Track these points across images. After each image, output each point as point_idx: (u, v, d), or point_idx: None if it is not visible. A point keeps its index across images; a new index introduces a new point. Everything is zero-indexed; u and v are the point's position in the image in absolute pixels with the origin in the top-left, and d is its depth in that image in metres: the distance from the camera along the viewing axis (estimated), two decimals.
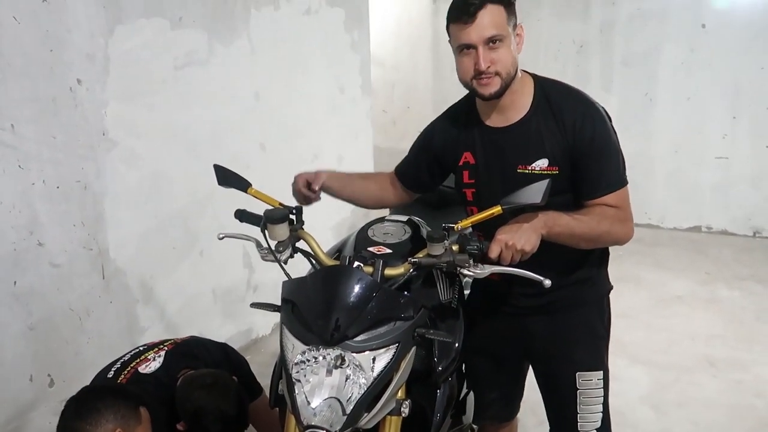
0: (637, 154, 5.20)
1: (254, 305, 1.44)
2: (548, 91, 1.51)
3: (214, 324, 3.00)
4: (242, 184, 1.58)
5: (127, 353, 1.92)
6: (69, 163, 2.22)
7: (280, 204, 1.53)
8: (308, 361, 1.24)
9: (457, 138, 1.61)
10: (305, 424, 1.19)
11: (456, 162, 1.61)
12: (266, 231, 1.48)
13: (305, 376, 1.23)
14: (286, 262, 1.50)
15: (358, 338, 1.23)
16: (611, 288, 1.75)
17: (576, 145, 1.46)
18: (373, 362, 1.23)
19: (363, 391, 1.21)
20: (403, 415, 1.31)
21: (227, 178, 1.61)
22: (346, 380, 1.22)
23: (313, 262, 1.51)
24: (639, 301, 3.84)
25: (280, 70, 3.27)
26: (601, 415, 1.65)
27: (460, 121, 1.61)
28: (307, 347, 1.24)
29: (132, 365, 1.82)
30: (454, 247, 1.39)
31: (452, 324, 1.54)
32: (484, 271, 1.36)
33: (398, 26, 5.78)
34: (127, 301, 2.53)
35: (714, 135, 4.93)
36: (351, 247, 1.60)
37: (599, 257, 1.68)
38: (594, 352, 1.66)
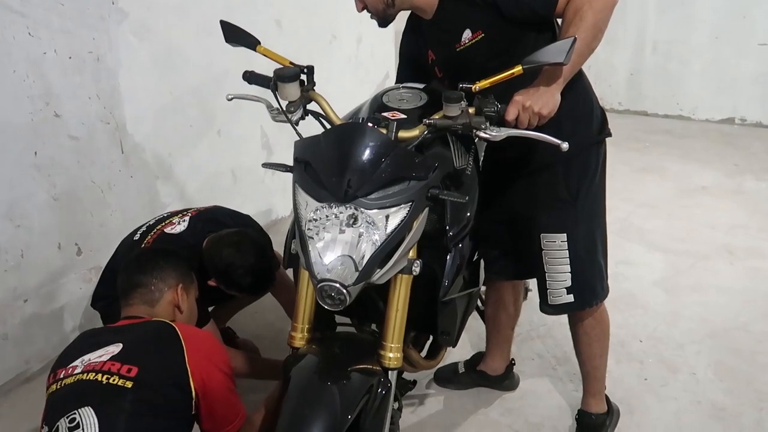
0: (674, 41, 4.94)
1: (266, 165, 1.43)
2: None
3: (233, 204, 3.00)
4: (250, 41, 1.53)
5: (152, 219, 1.98)
6: (79, 33, 2.17)
7: (291, 63, 1.48)
8: (321, 218, 1.24)
9: (418, 41, 1.70)
10: (318, 278, 1.22)
11: (427, 62, 1.68)
12: (276, 91, 1.44)
13: (318, 233, 1.24)
14: (297, 124, 1.47)
15: (372, 196, 1.23)
16: (596, 140, 1.65)
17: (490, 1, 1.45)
18: (387, 220, 1.23)
19: (376, 248, 1.22)
20: (414, 273, 1.33)
21: (235, 34, 1.55)
22: (359, 238, 1.22)
23: (325, 124, 1.48)
24: (662, 192, 3.79)
25: None
26: (569, 275, 1.67)
27: (416, 25, 1.69)
28: (321, 204, 1.24)
29: (157, 228, 1.87)
30: (471, 110, 1.35)
31: (465, 189, 1.52)
32: (500, 134, 1.33)
33: None
34: (148, 177, 2.56)
35: (760, 20, 4.61)
36: (366, 112, 1.56)
37: (570, 108, 1.53)
38: (556, 215, 1.65)
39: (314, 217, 1.25)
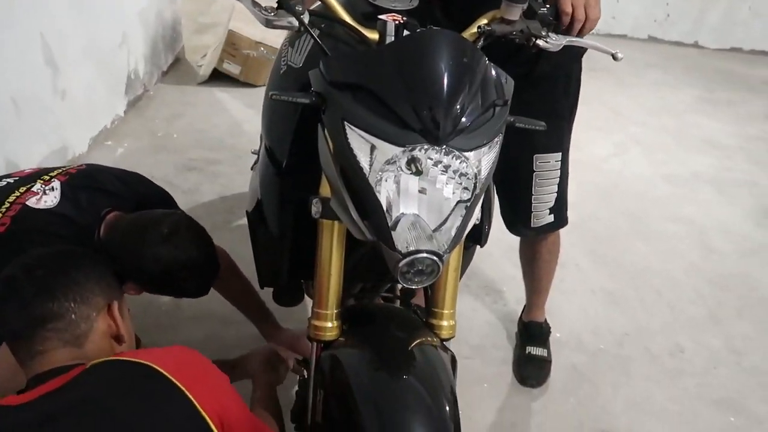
0: None
1: (276, 95, 0.95)
2: None
3: (20, 145, 2.20)
4: None
5: None
6: None
7: None
8: (403, 168, 0.89)
9: None
10: (407, 250, 0.89)
11: None
12: None
13: (398, 189, 0.89)
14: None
15: (467, 134, 0.91)
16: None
17: None
18: (480, 164, 0.94)
19: (469, 202, 0.93)
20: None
21: None
22: (452, 191, 0.91)
23: (330, 33, 1.05)
24: None
25: None
26: (555, 195, 1.61)
27: None
28: (401, 150, 0.88)
29: (10, 202, 1.19)
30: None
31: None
32: (560, 41, 1.12)
33: None
34: None
35: None
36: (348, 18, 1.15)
37: None
38: (554, 133, 1.55)
39: (390, 169, 0.89)
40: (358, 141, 0.89)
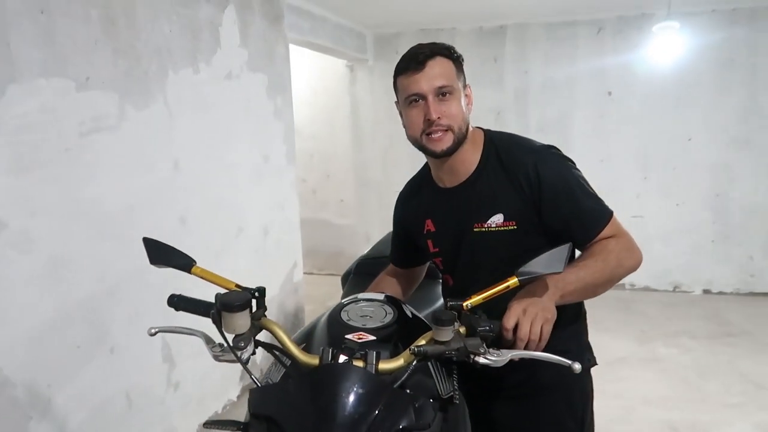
0: None
1: (208, 425, 1.09)
2: (497, 144, 1.45)
3: None
4: (183, 262, 1.25)
5: None
6: None
7: (237, 286, 1.22)
8: None
9: (418, 207, 1.57)
10: None
11: (420, 232, 1.53)
12: (221, 323, 1.15)
13: None
14: (247, 362, 1.18)
15: None
16: (592, 363, 1.55)
17: (536, 197, 1.36)
18: None
19: None
20: None
21: (163, 254, 1.27)
22: None
23: (281, 358, 1.19)
24: None
25: (200, 136, 2.97)
26: None
27: (419, 190, 1.58)
28: None
29: None
30: (461, 329, 1.15)
31: (456, 423, 1.26)
32: (503, 357, 1.12)
33: (315, 95, 5.65)
34: (17, 419, 2.01)
35: (629, 195, 5.10)
36: (323, 336, 1.30)
37: (573, 318, 1.51)
38: None
39: None
40: None
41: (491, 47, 5.25)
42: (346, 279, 2.33)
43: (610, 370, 3.67)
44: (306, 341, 1.33)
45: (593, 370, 1.58)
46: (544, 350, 1.16)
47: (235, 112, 3.30)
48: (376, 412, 0.96)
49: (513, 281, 1.14)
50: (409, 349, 1.12)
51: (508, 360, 1.12)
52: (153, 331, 1.23)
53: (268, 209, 3.70)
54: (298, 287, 4.10)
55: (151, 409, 2.66)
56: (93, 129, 2.31)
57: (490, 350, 1.12)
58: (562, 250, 1.14)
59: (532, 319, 1.15)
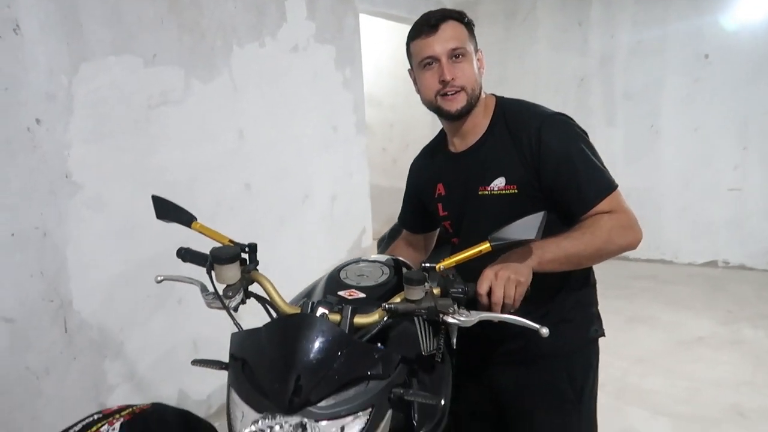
0: (646, 189, 5.01)
1: (196, 362, 1.23)
2: (506, 109, 1.46)
3: (193, 379, 2.77)
4: (185, 218, 1.39)
5: (78, 423, 1.68)
6: (26, 208, 2.05)
7: (230, 241, 1.33)
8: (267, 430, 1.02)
9: (431, 171, 1.60)
10: None
11: (432, 195, 1.58)
12: (213, 272, 1.27)
13: None
14: (236, 310, 1.29)
15: (324, 403, 1.01)
16: (599, 334, 1.52)
17: (539, 162, 1.36)
18: (343, 431, 1.01)
19: None
20: None
21: (168, 210, 1.41)
22: None
23: (269, 309, 1.30)
24: (656, 344, 3.57)
25: (266, 108, 3.14)
26: None
27: (432, 155, 1.62)
28: (261, 415, 1.02)
29: None
30: (436, 291, 1.19)
31: (437, 381, 1.31)
32: (471, 318, 1.15)
33: (396, 65, 5.70)
34: (94, 357, 2.31)
35: (725, 167, 4.73)
36: (320, 292, 1.39)
37: (578, 286, 1.47)
38: (560, 417, 1.45)
39: (253, 431, 1.03)
40: (234, 405, 1.07)
41: (576, 10, 5.01)
42: (381, 243, 2.40)
43: (683, 350, 3.50)
44: (306, 296, 1.43)
45: (602, 341, 1.55)
46: (520, 314, 1.17)
47: (302, 83, 3.44)
48: (336, 360, 1.04)
49: (485, 246, 1.15)
50: (382, 306, 1.18)
51: (476, 321, 1.15)
52: (159, 278, 1.39)
53: (337, 178, 3.84)
54: (367, 252, 4.24)
55: (215, 357, 2.91)
56: (160, 102, 2.53)
57: (460, 311, 1.16)
58: (537, 218, 1.13)
59: (504, 282, 1.16)
